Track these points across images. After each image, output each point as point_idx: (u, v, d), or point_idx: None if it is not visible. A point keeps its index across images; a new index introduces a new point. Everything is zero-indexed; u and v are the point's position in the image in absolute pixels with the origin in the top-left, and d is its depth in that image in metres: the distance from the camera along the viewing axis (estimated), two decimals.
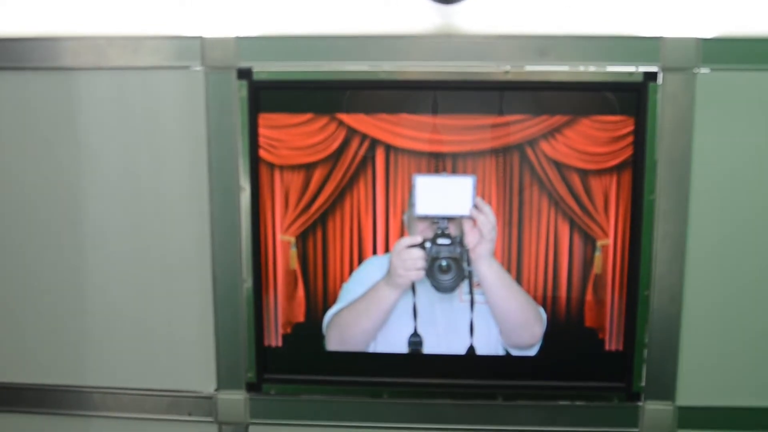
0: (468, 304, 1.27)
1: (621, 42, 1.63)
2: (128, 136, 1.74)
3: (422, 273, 1.25)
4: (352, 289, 1.31)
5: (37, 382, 1.86)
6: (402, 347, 1.30)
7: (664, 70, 1.63)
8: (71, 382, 1.85)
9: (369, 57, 1.66)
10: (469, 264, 1.23)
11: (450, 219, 1.25)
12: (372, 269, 1.30)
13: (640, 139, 1.64)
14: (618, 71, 1.63)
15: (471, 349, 1.28)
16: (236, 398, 1.81)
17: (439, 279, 1.23)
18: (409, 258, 1.24)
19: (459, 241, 1.25)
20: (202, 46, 1.68)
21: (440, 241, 1.24)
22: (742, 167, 1.66)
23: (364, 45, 1.66)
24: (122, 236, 1.78)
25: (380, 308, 1.26)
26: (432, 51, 1.65)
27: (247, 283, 1.75)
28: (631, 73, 1.63)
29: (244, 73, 1.68)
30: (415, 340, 1.29)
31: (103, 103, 1.73)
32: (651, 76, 1.63)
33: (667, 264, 1.68)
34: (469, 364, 1.34)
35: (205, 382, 1.82)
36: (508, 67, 1.64)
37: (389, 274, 1.27)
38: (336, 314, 1.32)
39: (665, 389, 1.74)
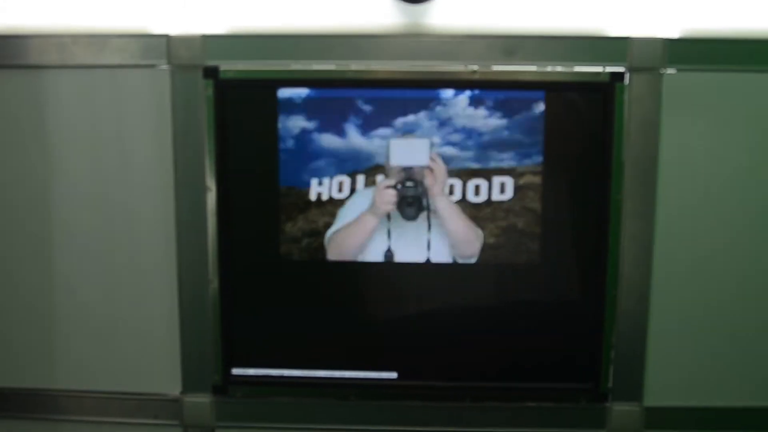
0: (426, 227, 1.67)
1: (588, 42, 1.63)
2: (94, 135, 1.72)
3: (394, 206, 1.66)
4: (346, 214, 1.68)
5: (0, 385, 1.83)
6: (379, 258, 1.70)
7: (631, 70, 1.63)
8: (36, 384, 1.82)
9: (337, 56, 1.66)
10: (427, 199, 1.65)
11: (414, 168, 1.66)
12: (360, 200, 1.68)
13: (607, 139, 1.65)
14: (585, 71, 1.63)
15: (428, 260, 1.69)
16: (202, 401, 1.79)
17: (406, 210, 1.66)
18: (386, 195, 1.66)
19: (420, 184, 1.65)
20: (168, 44, 1.67)
21: (407, 183, 1.65)
22: (709, 167, 1.67)
23: (331, 44, 1.66)
24: (88, 236, 1.76)
25: (365, 230, 1.68)
26: (400, 50, 1.65)
27: (213, 283, 1.73)
28: (597, 74, 1.63)
29: (211, 72, 1.66)
30: (389, 254, 1.69)
31: (68, 102, 1.71)
32: (618, 77, 1.63)
33: (635, 264, 1.69)
34: (428, 272, 1.72)
35: (171, 385, 1.79)
36: (476, 67, 1.64)
37: (372, 205, 1.67)
38: (334, 233, 1.68)
39: (633, 390, 1.74)
